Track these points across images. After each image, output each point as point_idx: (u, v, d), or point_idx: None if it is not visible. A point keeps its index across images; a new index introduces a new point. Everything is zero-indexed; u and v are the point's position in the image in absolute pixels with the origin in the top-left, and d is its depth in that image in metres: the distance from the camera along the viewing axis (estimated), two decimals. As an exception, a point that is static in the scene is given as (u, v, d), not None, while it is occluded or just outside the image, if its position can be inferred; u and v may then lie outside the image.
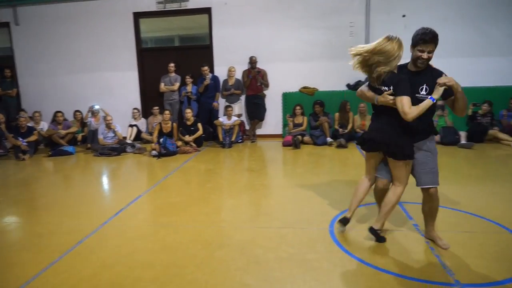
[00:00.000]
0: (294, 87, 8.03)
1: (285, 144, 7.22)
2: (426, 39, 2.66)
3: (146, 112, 8.50)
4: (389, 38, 2.81)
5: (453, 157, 6.22)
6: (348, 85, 7.86)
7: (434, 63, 2.88)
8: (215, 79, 7.94)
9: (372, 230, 3.04)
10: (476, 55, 7.43)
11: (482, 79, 7.50)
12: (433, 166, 2.84)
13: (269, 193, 4.57)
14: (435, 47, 2.68)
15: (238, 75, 8.00)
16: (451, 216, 3.56)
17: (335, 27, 7.77)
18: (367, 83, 3.01)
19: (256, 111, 7.93)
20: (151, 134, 7.57)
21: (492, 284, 2.44)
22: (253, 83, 7.82)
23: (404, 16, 7.58)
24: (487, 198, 3.98)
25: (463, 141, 6.67)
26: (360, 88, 3.10)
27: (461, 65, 7.40)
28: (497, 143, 6.85)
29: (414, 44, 2.73)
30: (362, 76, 7.75)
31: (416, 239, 3.10)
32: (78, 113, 8.20)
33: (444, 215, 3.58)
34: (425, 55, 2.70)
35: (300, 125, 7.62)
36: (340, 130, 7.37)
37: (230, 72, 7.91)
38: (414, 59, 2.76)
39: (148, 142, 7.70)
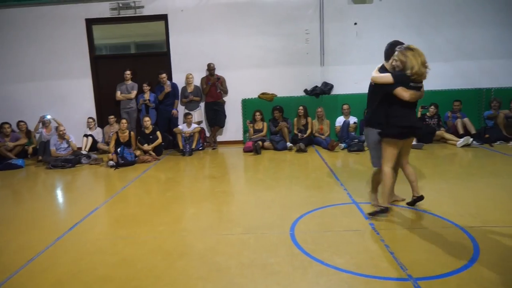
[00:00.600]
0: (253, 93, 8.12)
1: (245, 150, 7.26)
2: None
3: (102, 121, 8.22)
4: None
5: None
6: (305, 91, 8.06)
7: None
8: (173, 86, 7.85)
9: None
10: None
11: (428, 83, 7.93)
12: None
13: (230, 199, 4.58)
14: None
15: (197, 82, 7.96)
16: (405, 214, 3.75)
17: (291, 34, 7.96)
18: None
19: (216, 117, 7.91)
20: (107, 144, 7.33)
21: (441, 276, 2.59)
22: (213, 90, 7.81)
23: (355, 24, 7.91)
24: (435, 195, 4.22)
25: (414, 142, 7.02)
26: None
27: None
28: (444, 142, 7.30)
29: (389, 57, 3.56)
30: (318, 81, 8.04)
31: (372, 238, 3.22)
32: (22, 123, 7.67)
33: (399, 213, 3.77)
34: (400, 65, 3.39)
35: (261, 130, 7.69)
36: (299, 135, 7.52)
37: (188, 79, 7.85)
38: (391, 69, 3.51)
39: (104, 152, 7.43)
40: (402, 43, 3.56)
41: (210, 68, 7.82)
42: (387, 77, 3.42)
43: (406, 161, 3.76)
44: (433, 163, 5.89)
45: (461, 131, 7.23)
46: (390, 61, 3.52)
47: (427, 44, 7.86)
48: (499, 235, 3.16)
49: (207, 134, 8.11)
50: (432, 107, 7.54)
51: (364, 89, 7.89)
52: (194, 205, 4.36)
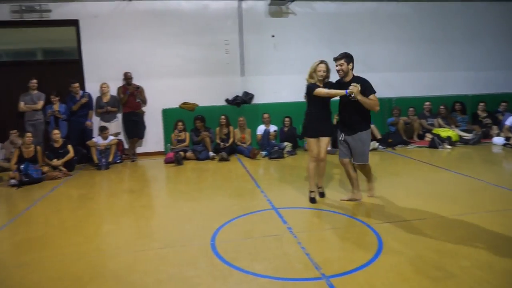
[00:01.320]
0: (174, 103, 7.96)
1: (167, 161, 7.06)
2: (335, 57, 4.13)
3: (1, 135, 7.33)
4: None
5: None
6: (227, 100, 8.13)
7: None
8: (87, 96, 7.34)
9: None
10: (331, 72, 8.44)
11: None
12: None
13: (149, 214, 4.41)
14: (344, 61, 4.07)
15: (113, 91, 7.56)
16: (317, 216, 3.96)
17: (211, 44, 8.00)
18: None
19: (135, 128, 7.58)
20: (9, 160, 6.56)
21: (351, 271, 2.78)
22: (131, 99, 7.48)
23: (273, 36, 8.23)
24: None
25: (328, 147, 7.47)
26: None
27: (304, 81, 8.32)
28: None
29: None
30: (239, 91, 8.17)
31: (290, 241, 3.34)
32: None
33: (312, 215, 3.96)
34: (337, 67, 4.11)
35: (183, 141, 7.56)
36: (222, 144, 7.55)
37: (103, 89, 7.42)
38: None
39: (5, 170, 6.62)
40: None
41: (127, 77, 7.49)
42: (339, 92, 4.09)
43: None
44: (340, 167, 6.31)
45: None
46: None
47: (337, 57, 8.51)
48: (398, 228, 3.51)
49: (126, 146, 7.72)
50: (344, 115, 8.11)
51: (283, 98, 8.39)
52: (109, 222, 4.11)
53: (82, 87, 7.49)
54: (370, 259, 2.93)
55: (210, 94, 8.06)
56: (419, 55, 8.86)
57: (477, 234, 3.34)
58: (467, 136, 7.85)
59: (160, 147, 7.96)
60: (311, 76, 4.24)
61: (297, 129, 7.98)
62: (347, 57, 4.09)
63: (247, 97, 8.15)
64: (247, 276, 2.77)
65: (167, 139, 7.82)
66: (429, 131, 8.15)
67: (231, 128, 7.78)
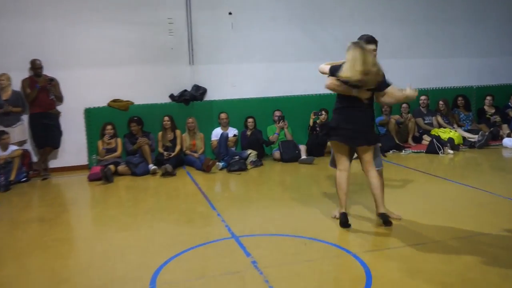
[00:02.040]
0: (101, 101, 7.77)
1: (92, 178, 6.86)
2: (369, 40, 4.24)
3: None
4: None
5: (295, 174, 7.01)
6: (172, 96, 8.05)
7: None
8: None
9: (383, 215, 4.20)
10: (306, 60, 8.60)
11: (315, 86, 8.72)
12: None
13: (67, 250, 4.29)
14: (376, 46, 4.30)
15: (16, 85, 7.26)
16: (290, 246, 3.97)
17: (150, 23, 7.89)
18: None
19: (48, 135, 7.34)
20: None
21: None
22: (42, 96, 7.22)
23: (230, 13, 8.26)
24: (327, 220, 4.58)
25: (303, 156, 7.59)
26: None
27: (290, 70, 8.51)
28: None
29: None
30: (188, 84, 8.12)
31: (254, 279, 3.32)
32: None
33: (283, 244, 3.97)
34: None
35: (114, 150, 7.38)
36: (166, 153, 7.44)
37: (1, 82, 7.12)
38: None
39: None
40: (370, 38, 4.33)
41: (36, 67, 7.25)
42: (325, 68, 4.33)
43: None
44: (326, 180, 6.42)
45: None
46: None
47: (312, 40, 8.68)
48: (390, 259, 3.58)
49: (34, 159, 7.43)
50: (323, 113, 8.23)
51: (245, 93, 8.42)
52: (9, 264, 3.92)
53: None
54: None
55: (149, 89, 7.97)
56: (412, 38, 9.21)
57: (489, 261, 3.46)
58: (472, 137, 8.22)
59: (83, 160, 7.75)
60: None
61: (262, 133, 8.04)
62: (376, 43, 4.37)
63: (197, 92, 8.10)
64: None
65: (92, 149, 7.64)
66: (427, 132, 8.46)
67: (177, 132, 7.70)
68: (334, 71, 4.16)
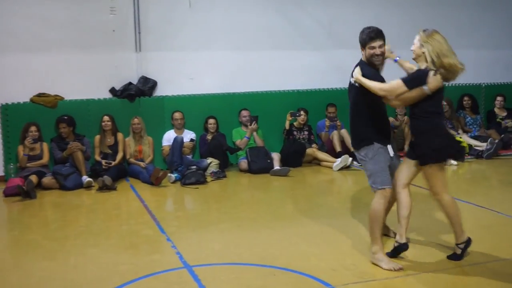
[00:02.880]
0: (22, 96, 7.70)
1: (8, 193, 6.75)
2: (372, 36, 4.19)
3: None
4: None
5: (266, 188, 7.06)
6: (113, 90, 8.01)
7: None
8: None
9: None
10: (282, 48, 8.71)
11: (291, 80, 8.82)
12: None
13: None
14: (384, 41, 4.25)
15: None
16: (256, 277, 3.99)
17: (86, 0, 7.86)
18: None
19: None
20: None
21: None
22: None
23: (186, -10, 8.30)
24: (302, 246, 4.64)
25: (276, 166, 7.65)
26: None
27: (263, 60, 8.62)
28: (317, 164, 8.15)
29: (364, 44, 4.24)
30: (133, 76, 8.08)
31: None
32: None
33: (247, 276, 3.99)
34: (377, 51, 4.19)
35: (38, 157, 7.28)
36: (104, 162, 7.39)
37: None
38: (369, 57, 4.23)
39: None
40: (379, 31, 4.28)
41: None
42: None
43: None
44: (299, 196, 6.49)
45: (338, 148, 8.18)
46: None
47: (290, 24, 8.78)
48: (379, 293, 3.64)
49: None
50: (302, 113, 8.31)
51: (205, 88, 8.43)
52: None
53: None
54: None
55: (85, 81, 7.96)
56: (409, 24, 9.32)
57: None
58: (480, 146, 8.41)
59: (-5, 170, 7.61)
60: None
61: (226, 137, 8.06)
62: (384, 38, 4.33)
63: (145, 86, 8.09)
64: None
65: (10, 156, 7.56)
66: (426, 138, 8.64)
67: (119, 136, 7.68)
68: (418, 78, 4.09)
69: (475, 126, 9.19)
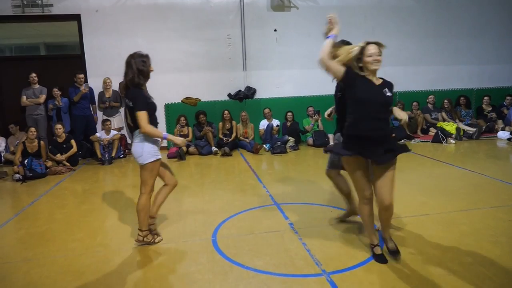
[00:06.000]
0: (176, 98, 7.96)
1: (169, 156, 7.07)
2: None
3: (5, 130, 7.38)
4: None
5: (325, 157, 6.91)
6: (229, 95, 8.12)
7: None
8: (89, 89, 7.34)
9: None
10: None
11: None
12: None
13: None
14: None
15: (115, 86, 7.56)
16: (319, 212, 3.94)
17: (214, 39, 7.96)
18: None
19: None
20: (14, 154, 6.60)
21: (351, 268, 2.78)
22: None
23: (275, 30, 8.18)
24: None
25: (331, 143, 7.47)
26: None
27: (320, 75, 8.31)
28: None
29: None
30: (242, 85, 8.15)
31: (291, 237, 3.34)
32: None
33: (314, 211, 3.93)
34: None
35: (186, 135, 7.55)
36: (224, 139, 7.54)
37: (106, 84, 7.43)
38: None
39: (11, 162, 6.67)
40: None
41: (130, 72, 7.47)
42: None
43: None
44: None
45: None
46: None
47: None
48: (400, 224, 3.48)
49: (129, 141, 7.74)
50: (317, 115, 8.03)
51: (285, 93, 8.35)
52: (112, 217, 4.11)
53: (85, 81, 7.48)
54: (370, 256, 2.92)
55: (213, 89, 8.06)
56: (423, 48, 8.78)
57: (480, 230, 3.32)
58: (471, 130, 7.80)
59: (163, 142, 7.95)
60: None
61: (299, 124, 7.98)
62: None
63: (249, 92, 8.13)
64: (248, 272, 2.78)
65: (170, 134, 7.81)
66: (433, 125, 8.11)
67: (234, 123, 7.78)
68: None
69: (468, 117, 8.49)
